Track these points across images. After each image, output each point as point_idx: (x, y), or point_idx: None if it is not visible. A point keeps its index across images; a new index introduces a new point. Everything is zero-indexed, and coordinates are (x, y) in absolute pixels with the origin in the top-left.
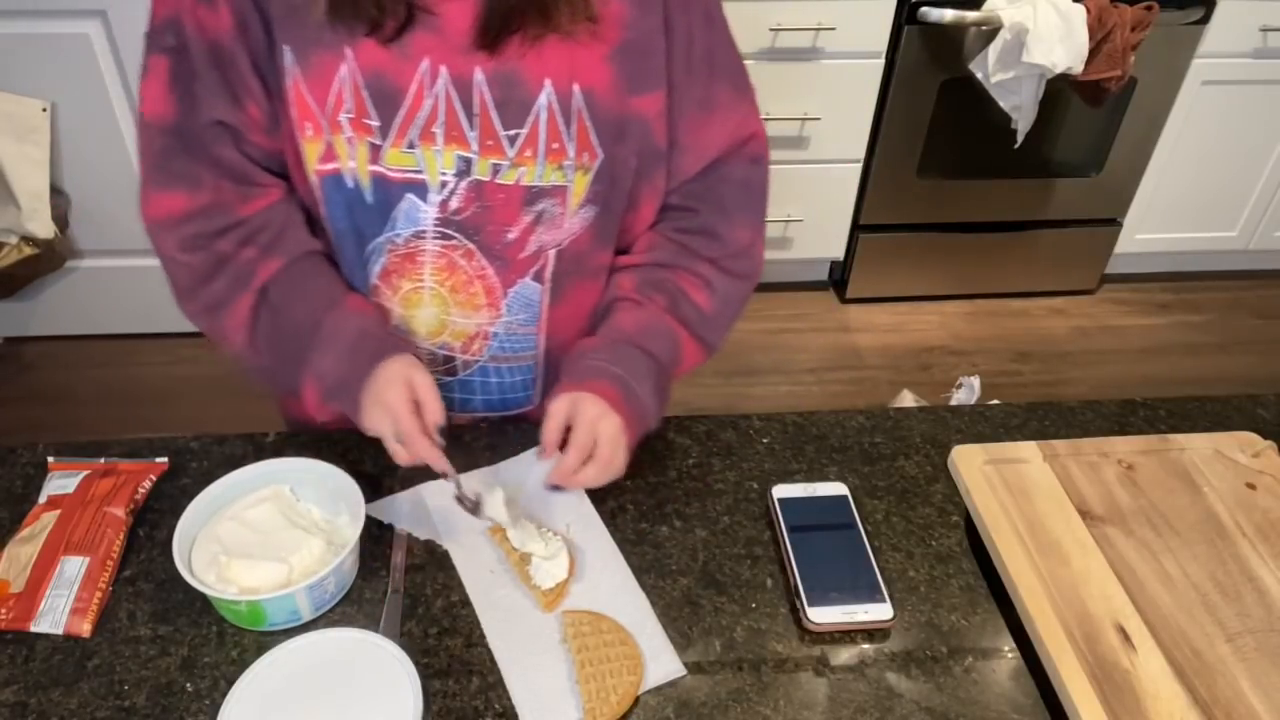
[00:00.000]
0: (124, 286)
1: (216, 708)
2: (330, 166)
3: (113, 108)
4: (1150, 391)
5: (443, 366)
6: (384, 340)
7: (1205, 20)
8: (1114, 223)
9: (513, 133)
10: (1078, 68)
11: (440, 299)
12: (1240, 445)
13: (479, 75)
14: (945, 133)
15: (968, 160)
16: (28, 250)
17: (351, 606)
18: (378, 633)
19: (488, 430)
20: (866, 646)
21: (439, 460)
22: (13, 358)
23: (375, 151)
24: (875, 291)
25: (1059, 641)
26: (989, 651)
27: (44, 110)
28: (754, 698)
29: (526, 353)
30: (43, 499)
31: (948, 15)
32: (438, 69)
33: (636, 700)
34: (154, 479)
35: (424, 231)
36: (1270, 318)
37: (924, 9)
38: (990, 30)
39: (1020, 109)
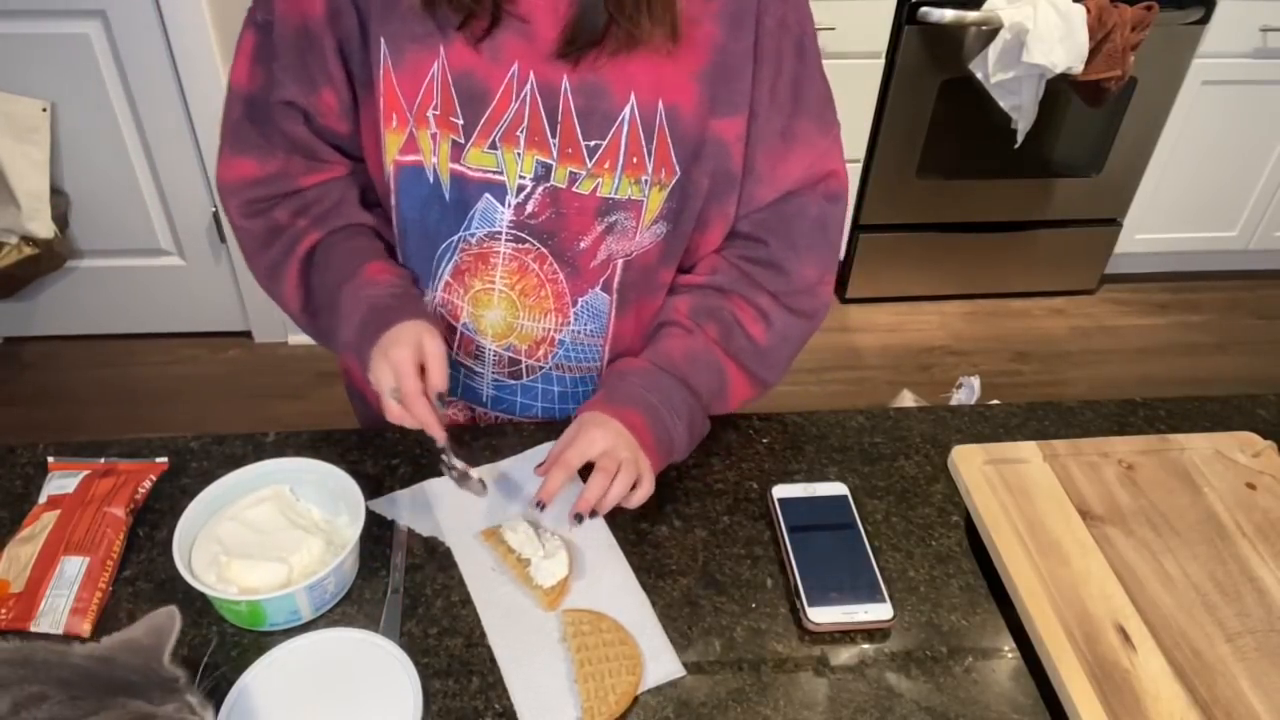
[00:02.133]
0: (124, 286)
1: (217, 708)
2: (411, 158)
3: (113, 108)
4: (1149, 391)
5: (508, 370)
6: (391, 309)
7: (1205, 20)
8: (1114, 223)
9: (593, 143)
10: (1078, 68)
11: (509, 301)
12: (1240, 445)
13: (565, 83)
14: (945, 133)
15: (968, 160)
16: (28, 250)
17: (351, 606)
18: (378, 633)
19: (487, 430)
20: (866, 646)
21: (434, 424)
22: (13, 358)
23: (458, 150)
24: (875, 291)
25: (1059, 641)
26: (989, 651)
27: (44, 110)
28: (754, 698)
29: (591, 363)
30: (43, 499)
31: (948, 15)
32: (526, 74)
33: (635, 700)
34: (154, 479)
35: (498, 233)
36: (1270, 318)
37: (924, 9)
38: (990, 30)
39: (1020, 109)
